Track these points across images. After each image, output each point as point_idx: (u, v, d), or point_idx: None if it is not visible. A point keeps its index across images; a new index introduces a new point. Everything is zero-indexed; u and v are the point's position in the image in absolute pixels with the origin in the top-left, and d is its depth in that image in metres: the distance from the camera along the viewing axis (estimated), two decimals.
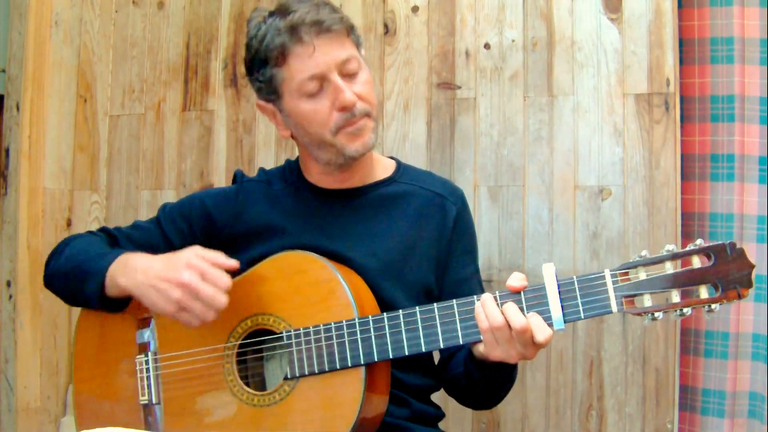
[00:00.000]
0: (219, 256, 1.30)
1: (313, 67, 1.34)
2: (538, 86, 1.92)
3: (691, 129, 1.85)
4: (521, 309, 1.20)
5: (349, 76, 1.37)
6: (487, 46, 1.96)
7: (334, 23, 1.34)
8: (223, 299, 1.27)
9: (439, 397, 1.52)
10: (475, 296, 1.24)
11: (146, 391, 1.39)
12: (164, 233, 1.50)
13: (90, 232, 1.52)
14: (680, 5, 1.84)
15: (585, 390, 1.85)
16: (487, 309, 1.21)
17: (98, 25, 2.27)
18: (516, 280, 1.23)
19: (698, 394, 1.82)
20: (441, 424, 1.52)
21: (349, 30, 1.38)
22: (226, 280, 1.28)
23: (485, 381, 1.34)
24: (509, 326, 1.19)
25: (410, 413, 1.42)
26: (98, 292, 1.36)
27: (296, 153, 1.52)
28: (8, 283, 2.10)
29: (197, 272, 1.26)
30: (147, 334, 1.40)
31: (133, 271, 1.31)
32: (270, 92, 1.41)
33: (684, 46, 1.86)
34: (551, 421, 1.87)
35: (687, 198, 1.85)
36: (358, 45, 1.41)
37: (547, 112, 1.91)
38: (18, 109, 2.12)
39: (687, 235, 1.84)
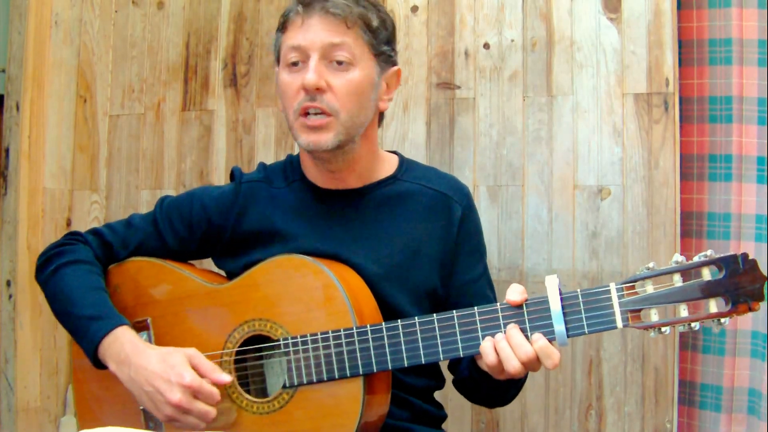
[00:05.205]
0: (213, 370, 1.28)
1: (298, 38, 1.32)
2: (538, 86, 1.92)
3: (689, 129, 1.86)
4: (523, 330, 1.19)
5: (337, 66, 1.32)
6: (486, 46, 1.96)
7: (335, 7, 1.30)
8: (213, 415, 1.26)
9: (438, 396, 1.52)
10: (476, 308, 1.23)
11: None
12: (161, 235, 1.47)
13: (85, 239, 1.47)
14: (679, 7, 1.84)
15: (584, 389, 1.86)
16: (491, 347, 1.20)
17: (98, 25, 2.27)
18: (516, 293, 1.20)
19: (696, 389, 1.83)
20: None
21: (357, 23, 1.32)
22: (218, 397, 1.27)
23: (494, 388, 1.33)
24: (516, 356, 1.18)
25: (412, 414, 1.42)
26: (91, 358, 1.34)
27: (296, 151, 1.51)
28: (8, 283, 2.10)
29: (190, 392, 1.25)
30: (144, 338, 1.39)
31: (125, 364, 1.29)
32: (276, 59, 1.41)
33: (682, 47, 1.86)
34: (550, 420, 1.87)
35: (685, 198, 1.85)
36: (372, 46, 1.35)
37: (547, 112, 1.91)
38: (18, 109, 2.12)
39: (686, 235, 1.85)
